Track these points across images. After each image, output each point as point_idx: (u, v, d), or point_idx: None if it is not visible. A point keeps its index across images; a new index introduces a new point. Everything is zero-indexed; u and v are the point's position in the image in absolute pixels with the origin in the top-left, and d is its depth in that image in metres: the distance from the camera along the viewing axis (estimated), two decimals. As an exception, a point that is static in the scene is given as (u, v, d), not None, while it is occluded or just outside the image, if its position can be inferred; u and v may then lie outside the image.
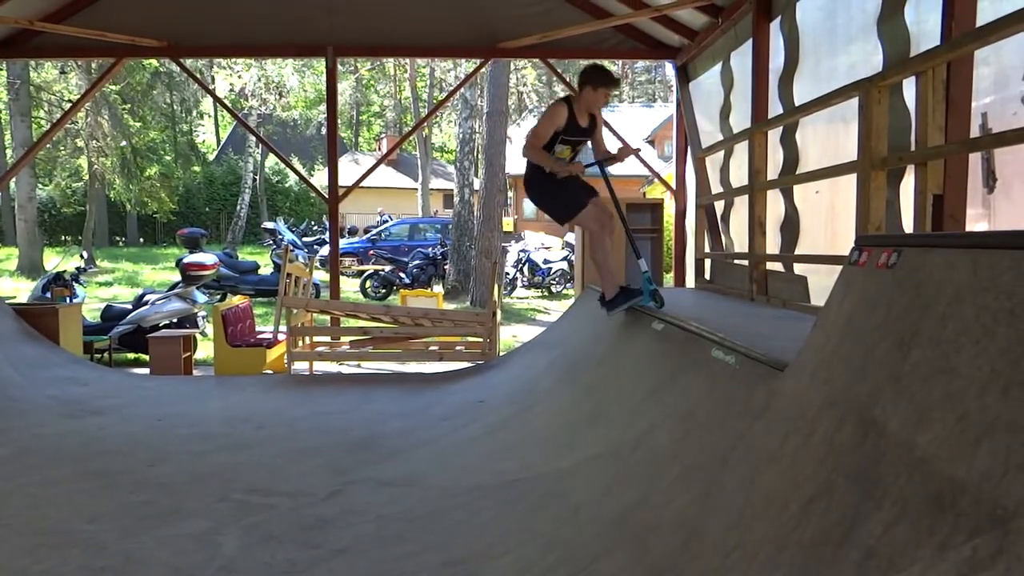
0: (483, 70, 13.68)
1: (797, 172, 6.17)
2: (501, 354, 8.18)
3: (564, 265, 17.86)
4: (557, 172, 5.28)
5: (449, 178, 36.02)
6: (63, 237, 29.07)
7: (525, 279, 17.94)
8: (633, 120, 31.35)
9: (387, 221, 24.38)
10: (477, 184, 17.07)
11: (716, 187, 8.00)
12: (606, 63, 9.19)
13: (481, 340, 7.88)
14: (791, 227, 6.34)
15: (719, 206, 8.07)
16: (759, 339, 3.61)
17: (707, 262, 7.84)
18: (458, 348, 8.21)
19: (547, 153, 5.25)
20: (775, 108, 6.55)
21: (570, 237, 18.01)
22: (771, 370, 3.08)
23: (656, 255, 8.94)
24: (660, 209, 9.17)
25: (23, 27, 8.46)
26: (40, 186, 25.74)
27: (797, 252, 6.17)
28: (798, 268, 5.96)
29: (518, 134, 32.20)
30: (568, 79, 9.96)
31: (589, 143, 5.53)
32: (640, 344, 4.75)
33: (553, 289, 17.89)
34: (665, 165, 20.67)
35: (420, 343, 8.34)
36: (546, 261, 18.08)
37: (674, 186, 9.47)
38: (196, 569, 3.16)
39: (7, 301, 8.17)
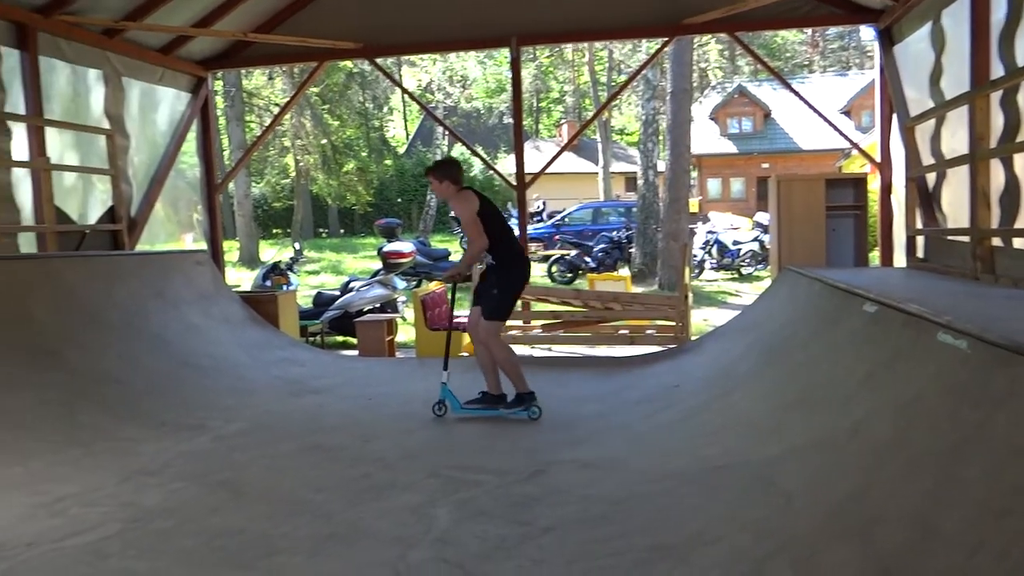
0: (666, 49, 13.38)
1: (1018, 138, 5.55)
2: (694, 338, 8.02)
3: (755, 246, 17.20)
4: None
5: (629, 161, 35.72)
6: (274, 230, 31.60)
7: (714, 261, 17.46)
8: (825, 90, 29.51)
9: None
10: (661, 166, 16.78)
11: (927, 159, 7.37)
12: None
13: (673, 323, 7.76)
14: (1011, 198, 5.72)
15: (930, 179, 7.43)
16: (992, 321, 3.29)
17: (919, 239, 7.25)
18: (649, 332, 8.13)
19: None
20: (995, 69, 5.91)
21: (761, 216, 17.31)
22: (1012, 355, 2.80)
23: (860, 233, 8.39)
24: (864, 184, 8.57)
25: (238, 39, 9.26)
26: (253, 184, 28.13)
27: (1017, 225, 5.56)
28: (1019, 244, 5.37)
29: (700, 112, 31.33)
30: (754, 50, 9.52)
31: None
32: (849, 327, 4.48)
33: (743, 271, 17.28)
34: (863, 137, 19.33)
35: (610, 327, 8.35)
36: (735, 242, 17.49)
37: (878, 159, 8.82)
38: (415, 539, 3.35)
39: (233, 290, 9.03)
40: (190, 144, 9.83)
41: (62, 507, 3.69)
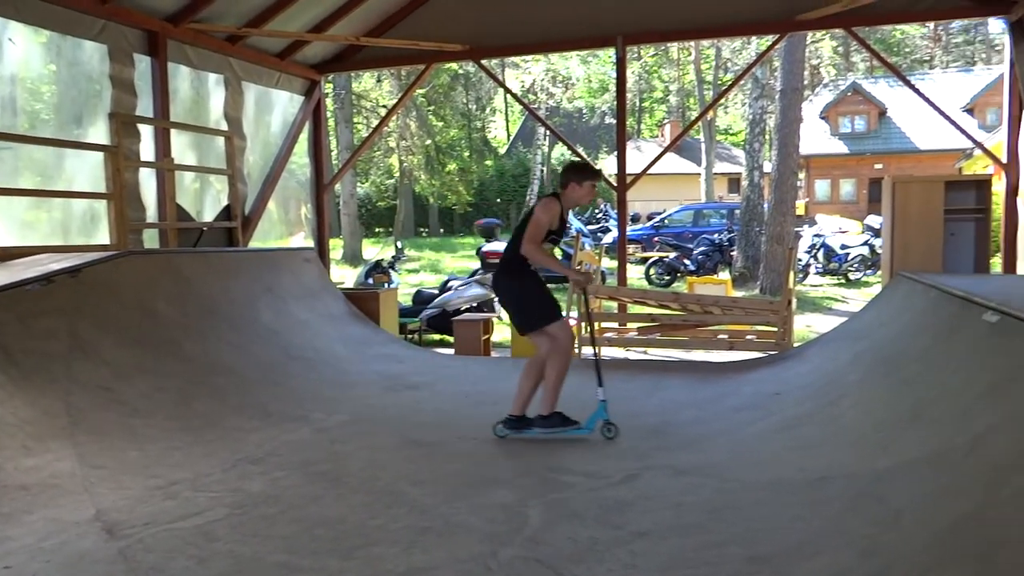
0: (777, 46, 13.01)
1: None
2: (796, 345, 7.76)
3: (864, 250, 16.50)
4: (568, 276, 4.90)
5: (733, 161, 34.91)
6: (377, 229, 32.47)
7: (820, 265, 16.84)
8: (947, 87, 28.02)
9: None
10: (767, 166, 16.32)
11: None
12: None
13: (775, 329, 7.54)
14: None
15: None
16: None
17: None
18: (749, 337, 7.92)
19: (550, 253, 4.96)
20: None
21: (872, 220, 16.61)
22: None
23: (981, 238, 7.92)
24: (987, 186, 8.09)
25: (350, 43, 9.55)
26: (359, 184, 28.96)
27: None
28: None
29: (810, 111, 30.26)
30: (871, 46, 9.12)
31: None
32: (969, 338, 4.23)
33: (851, 276, 16.61)
34: (987, 136, 18.28)
35: (708, 331, 8.18)
36: (843, 246, 16.82)
37: (1004, 159, 8.31)
38: (507, 537, 3.36)
39: (337, 287, 9.32)
40: (301, 145, 10.21)
41: (175, 490, 3.90)
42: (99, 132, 7.25)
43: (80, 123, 7.34)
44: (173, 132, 7.86)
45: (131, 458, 4.25)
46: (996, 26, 33.56)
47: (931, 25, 35.47)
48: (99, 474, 3.98)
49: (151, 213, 7.70)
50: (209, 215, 8.54)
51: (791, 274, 7.83)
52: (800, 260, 16.18)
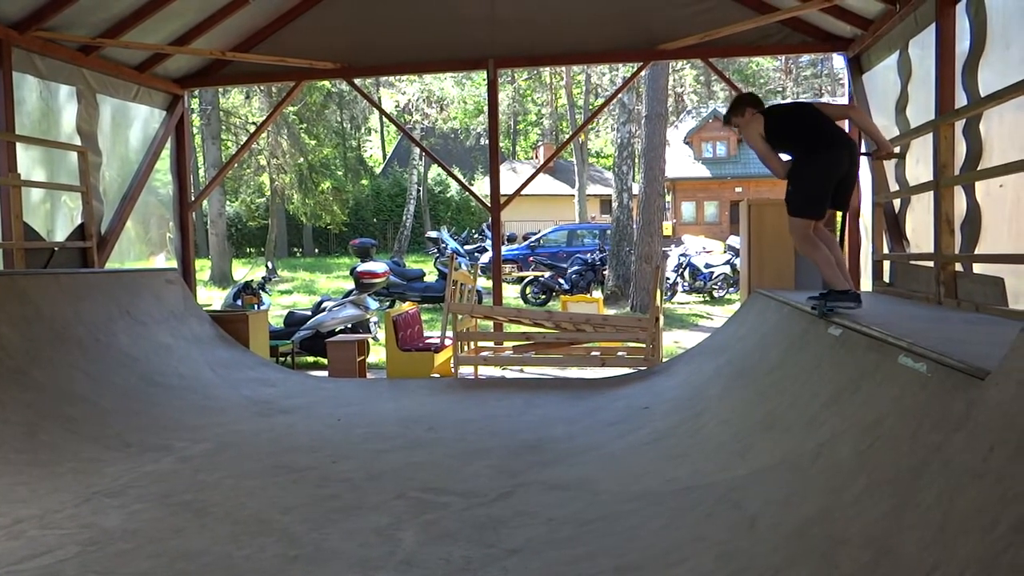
0: (641, 73, 13.57)
1: (980, 166, 5.69)
2: (664, 360, 8.07)
3: (727, 269, 17.37)
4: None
5: (605, 184, 36.01)
6: (248, 249, 31.43)
7: (686, 284, 17.60)
8: (798, 117, 29.98)
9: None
10: (636, 189, 16.94)
11: (893, 185, 7.52)
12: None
13: (644, 346, 7.81)
14: (972, 224, 5.86)
15: (896, 204, 7.59)
16: (952, 345, 3.36)
17: (886, 264, 7.37)
18: (620, 354, 8.17)
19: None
20: (960, 98, 6.08)
21: (734, 240, 17.51)
22: (969, 378, 2.86)
23: (828, 257, 8.50)
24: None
25: (216, 57, 9.25)
26: (228, 202, 27.97)
27: (978, 251, 5.69)
28: (979, 268, 5.51)
29: (676, 137, 31.68)
30: (728, 76, 9.68)
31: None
32: (816, 350, 4.54)
33: (715, 294, 17.43)
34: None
35: (582, 348, 8.38)
36: (708, 265, 17.65)
37: (847, 184, 8.97)
38: (380, 561, 3.32)
39: (204, 309, 8.95)
40: (164, 162, 9.77)
41: (19, 529, 3.62)
42: (-68, 144, 6.70)
43: (-90, 134, 6.77)
44: (20, 146, 7.35)
45: (-32, 497, 3.92)
46: (839, 61, 36.37)
47: (782, 59, 37.94)
48: (-70, 516, 3.65)
49: (-6, 232, 7.16)
50: (61, 235, 8.02)
51: (659, 292, 8.14)
52: (668, 279, 16.85)
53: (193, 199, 10.15)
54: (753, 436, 4.21)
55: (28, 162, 7.57)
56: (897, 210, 7.57)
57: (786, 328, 5.30)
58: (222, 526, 3.77)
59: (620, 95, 14.72)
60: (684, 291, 17.61)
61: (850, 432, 3.42)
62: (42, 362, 5.60)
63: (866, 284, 8.00)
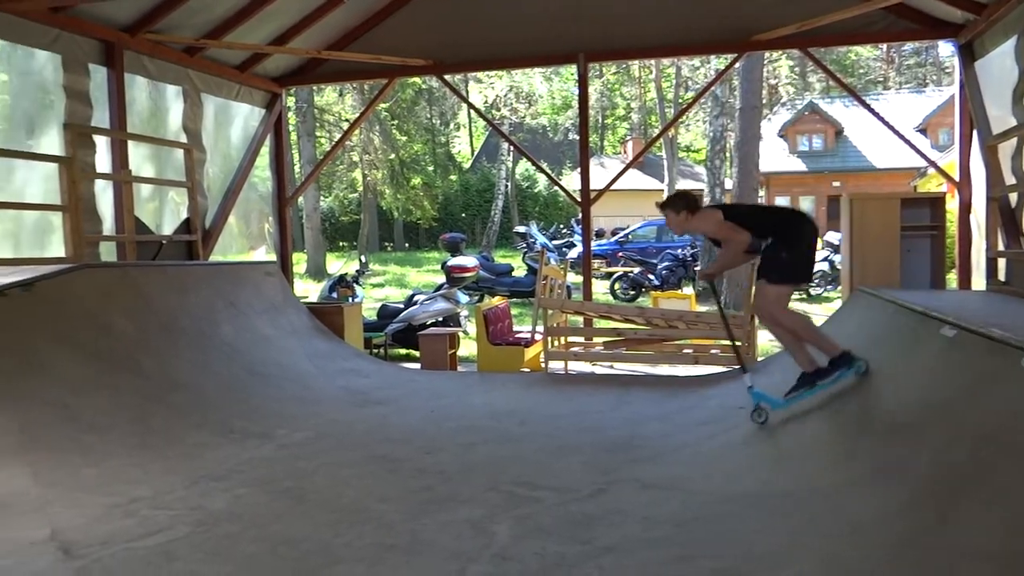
0: (735, 65, 13.24)
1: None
2: (760, 359, 7.85)
3: (825, 266, 16.78)
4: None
5: (696, 178, 35.33)
6: (340, 243, 32.20)
7: (780, 281, 17.07)
8: (901, 108, 28.73)
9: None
10: (728, 183, 16.55)
11: (1009, 178, 7.10)
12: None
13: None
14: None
15: (1012, 199, 7.16)
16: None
17: (1001, 261, 6.97)
18: (713, 351, 8.00)
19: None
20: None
21: (831, 236, 16.91)
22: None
23: (937, 254, 8.10)
24: (942, 204, 8.28)
25: (312, 56, 9.50)
26: (322, 198, 28.73)
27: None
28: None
29: (770, 130, 30.79)
30: (827, 66, 9.32)
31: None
32: (927, 352, 4.32)
33: (812, 291, 16.87)
34: (940, 155, 18.75)
35: (673, 345, 8.24)
36: (804, 262, 17.08)
37: (957, 178, 8.53)
38: (474, 553, 3.34)
39: (301, 301, 9.21)
40: (263, 158, 10.10)
41: (134, 508, 3.80)
42: (52, 143, 7.08)
43: (32, 133, 7.17)
44: (131, 144, 7.72)
45: (88, 475, 4.13)
46: (946, 49, 34.64)
47: (884, 47, 36.41)
48: (54, 492, 3.86)
49: (108, 225, 7.53)
50: (168, 228, 8.39)
51: (753, 289, 7.92)
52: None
53: (290, 194, 10.45)
54: (858, 441, 4.05)
55: (138, 159, 7.93)
56: (1014, 204, 7.14)
57: (894, 328, 5.07)
58: (321, 513, 3.87)
59: (713, 88, 14.41)
60: (779, 288, 17.09)
61: (966, 439, 3.24)
62: (151, 351, 5.85)
63: (979, 283, 7.59)
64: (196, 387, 5.82)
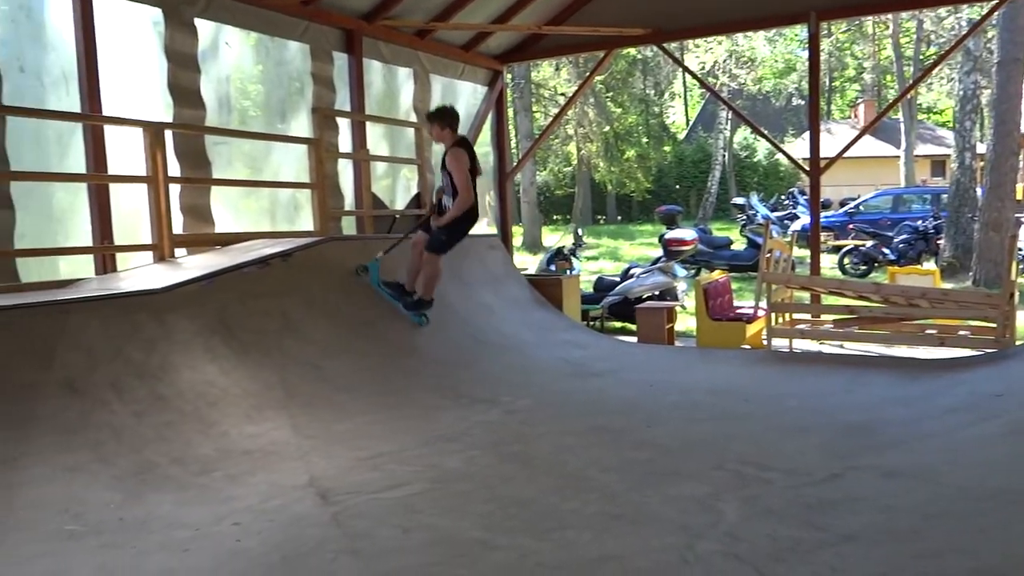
0: (994, 13, 11.79)
1: None
2: (1019, 343, 7.03)
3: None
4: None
5: (938, 143, 32.17)
6: (555, 216, 32.71)
7: (1050, 256, 15.12)
8: None
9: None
10: (980, 147, 14.86)
11: None
12: None
13: (994, 325, 6.86)
14: None
15: None
16: None
17: None
18: (962, 333, 7.26)
19: None
20: None
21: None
22: None
23: None
24: None
25: (532, 32, 9.65)
26: (538, 172, 29.29)
27: None
28: None
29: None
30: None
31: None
32: None
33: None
34: None
35: (914, 325, 7.57)
36: (1075, 234, 15.03)
37: None
38: (702, 530, 3.27)
39: (520, 273, 9.47)
40: (484, 134, 10.44)
41: (379, 462, 4.12)
42: (301, 126, 7.78)
43: (284, 118, 7.91)
44: (368, 124, 8.29)
45: (338, 430, 4.53)
46: None
47: None
48: (311, 443, 4.27)
49: (348, 201, 8.17)
50: (400, 203, 8.94)
51: (1013, 264, 7.09)
52: (1022, 250, 14.61)
53: (510, 169, 10.74)
54: None
55: (374, 139, 8.50)
56: None
57: None
58: (547, 478, 3.97)
59: (966, 41, 12.94)
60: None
61: None
62: (386, 317, 6.29)
63: None
64: (427, 352, 6.19)
